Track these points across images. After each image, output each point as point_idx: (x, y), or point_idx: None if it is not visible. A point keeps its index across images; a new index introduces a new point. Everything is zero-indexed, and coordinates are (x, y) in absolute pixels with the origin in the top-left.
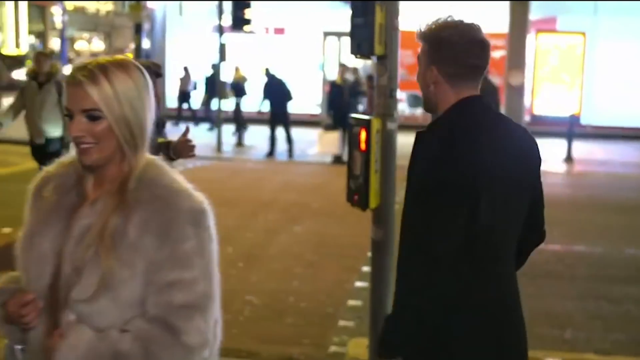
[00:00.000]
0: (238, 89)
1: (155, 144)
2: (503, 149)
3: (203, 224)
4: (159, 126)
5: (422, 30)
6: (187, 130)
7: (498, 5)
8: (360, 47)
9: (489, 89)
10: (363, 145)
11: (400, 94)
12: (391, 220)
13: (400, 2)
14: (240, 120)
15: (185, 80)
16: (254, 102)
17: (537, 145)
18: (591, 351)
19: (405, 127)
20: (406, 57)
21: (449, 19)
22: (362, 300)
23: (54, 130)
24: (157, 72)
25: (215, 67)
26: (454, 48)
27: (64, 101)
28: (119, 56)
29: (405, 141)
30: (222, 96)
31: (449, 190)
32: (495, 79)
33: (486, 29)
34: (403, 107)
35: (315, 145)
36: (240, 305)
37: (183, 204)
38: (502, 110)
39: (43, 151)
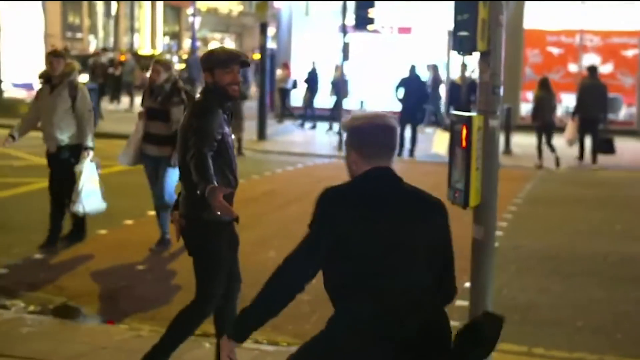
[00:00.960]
0: (338, 87)
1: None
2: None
3: None
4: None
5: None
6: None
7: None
8: (463, 44)
9: (596, 89)
10: (464, 143)
11: (527, 94)
12: (492, 219)
13: (527, 3)
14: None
15: (284, 77)
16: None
17: (430, 218)
18: None
19: (532, 128)
20: (533, 57)
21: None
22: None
23: (68, 138)
24: (244, 62)
25: (315, 65)
26: (363, 133)
27: (78, 104)
28: None
29: (530, 142)
30: (344, 95)
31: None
32: (628, 79)
33: (618, 26)
34: (528, 108)
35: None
36: None
37: None
38: (633, 110)
39: (57, 160)
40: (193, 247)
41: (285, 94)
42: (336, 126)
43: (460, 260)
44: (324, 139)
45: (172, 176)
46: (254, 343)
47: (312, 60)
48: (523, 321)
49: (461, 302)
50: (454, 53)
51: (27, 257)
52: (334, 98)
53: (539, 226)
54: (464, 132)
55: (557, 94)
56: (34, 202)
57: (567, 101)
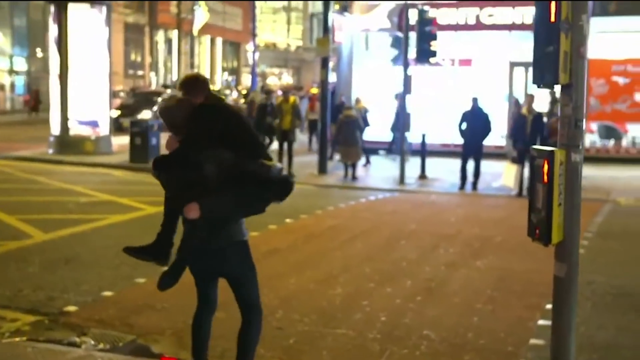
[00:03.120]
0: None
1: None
2: None
3: None
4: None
5: None
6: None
7: None
8: (544, 77)
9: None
10: (545, 178)
11: (592, 125)
12: (575, 256)
13: (591, 33)
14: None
15: (310, 109)
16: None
17: None
18: None
19: (596, 159)
20: (598, 87)
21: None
22: (545, 340)
23: None
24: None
25: (344, 99)
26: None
27: None
28: None
29: (595, 174)
30: (406, 128)
31: None
32: None
33: None
34: (595, 139)
35: (500, 178)
36: (417, 339)
37: None
38: None
39: None
40: None
41: (313, 125)
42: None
43: (532, 297)
44: (384, 173)
45: None
46: None
47: (341, 94)
48: None
49: (535, 341)
50: (516, 84)
51: (96, 294)
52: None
53: (612, 261)
54: (546, 167)
55: (624, 124)
56: (100, 238)
57: (633, 131)
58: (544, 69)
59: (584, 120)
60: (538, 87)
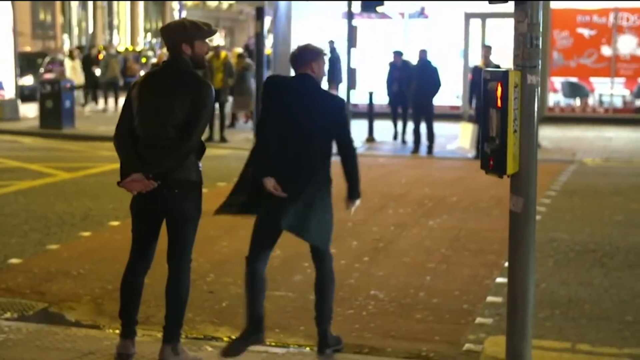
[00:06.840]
0: None
1: None
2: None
3: None
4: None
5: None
6: None
7: None
8: None
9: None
10: (499, 102)
11: (555, 83)
12: (533, 189)
13: None
14: None
15: None
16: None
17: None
18: None
19: (560, 119)
20: (562, 40)
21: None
22: (504, 297)
23: None
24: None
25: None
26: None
27: None
28: None
29: (559, 135)
30: (352, 86)
31: None
32: None
33: None
34: (558, 98)
35: (456, 140)
36: (364, 300)
37: None
38: None
39: None
40: None
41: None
42: None
43: (488, 255)
44: None
45: None
46: (262, 345)
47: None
48: (564, 316)
49: (493, 298)
50: (471, 38)
51: (1, 262)
52: None
53: (575, 218)
54: (499, 90)
55: (590, 80)
56: (6, 204)
57: (600, 89)
58: None
59: (540, 38)
60: (490, 2)
